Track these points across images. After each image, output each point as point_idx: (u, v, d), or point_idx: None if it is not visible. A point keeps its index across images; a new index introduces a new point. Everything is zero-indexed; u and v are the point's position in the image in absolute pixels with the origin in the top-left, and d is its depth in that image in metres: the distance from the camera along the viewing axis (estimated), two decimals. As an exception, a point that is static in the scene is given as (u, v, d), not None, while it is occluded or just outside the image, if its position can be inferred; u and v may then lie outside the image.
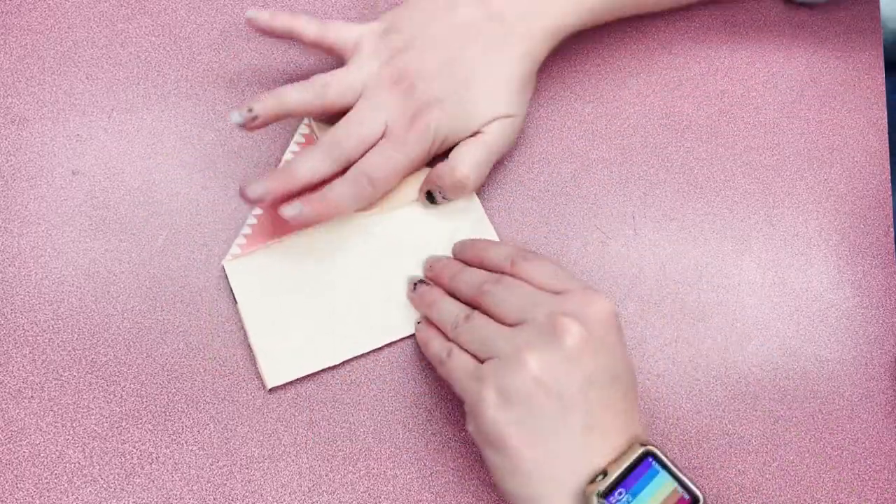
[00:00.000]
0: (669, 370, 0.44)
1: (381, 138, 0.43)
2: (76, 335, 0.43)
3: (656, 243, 0.46)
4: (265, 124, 0.42)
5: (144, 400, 0.42)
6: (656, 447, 0.35)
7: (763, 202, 0.47)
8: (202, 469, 0.41)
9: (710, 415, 0.43)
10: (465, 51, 0.43)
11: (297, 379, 0.43)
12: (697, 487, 0.35)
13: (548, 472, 0.35)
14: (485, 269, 0.42)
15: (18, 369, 0.42)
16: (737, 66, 0.49)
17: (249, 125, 0.42)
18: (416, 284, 0.43)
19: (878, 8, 0.51)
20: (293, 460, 0.41)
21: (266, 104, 0.42)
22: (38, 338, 0.43)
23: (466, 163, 0.43)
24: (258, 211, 0.45)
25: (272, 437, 0.42)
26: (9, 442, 0.41)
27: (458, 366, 0.38)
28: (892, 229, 0.47)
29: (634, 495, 0.34)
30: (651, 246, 0.46)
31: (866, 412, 0.44)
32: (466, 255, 0.43)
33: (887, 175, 0.48)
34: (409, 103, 0.43)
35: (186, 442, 0.41)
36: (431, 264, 0.44)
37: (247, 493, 0.41)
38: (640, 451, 0.35)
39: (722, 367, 0.44)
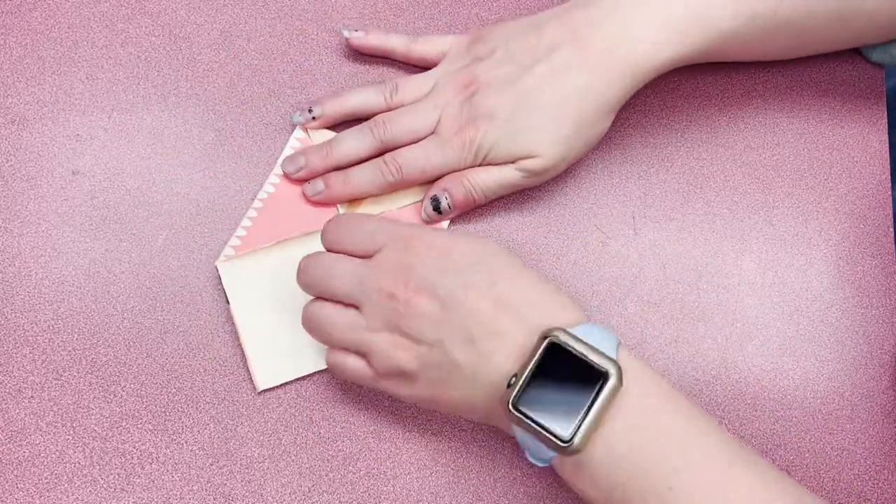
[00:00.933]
0: (669, 370, 0.44)
1: (430, 134, 0.44)
2: (76, 335, 0.43)
3: (656, 243, 0.46)
4: (326, 126, 0.45)
5: (144, 400, 0.42)
6: (565, 331, 0.34)
7: (763, 202, 0.47)
8: (202, 469, 0.41)
9: (710, 415, 0.43)
10: (532, 71, 0.42)
11: (297, 379, 0.43)
12: (610, 362, 0.33)
13: (469, 401, 0.37)
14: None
15: (18, 369, 0.42)
16: (737, 66, 0.49)
17: (309, 125, 0.45)
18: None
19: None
20: (293, 460, 0.41)
21: (325, 106, 0.45)
22: (38, 338, 0.43)
23: (480, 188, 0.43)
24: (253, 213, 0.44)
25: (272, 437, 0.42)
26: (9, 442, 0.41)
27: (356, 370, 0.39)
28: (892, 229, 0.47)
29: None
30: (651, 246, 0.46)
31: (866, 412, 0.44)
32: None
33: (887, 175, 0.48)
34: (465, 110, 0.43)
35: (186, 442, 0.41)
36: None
37: (247, 493, 0.41)
38: (544, 343, 0.34)
39: (722, 367, 0.44)
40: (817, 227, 0.47)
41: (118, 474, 0.41)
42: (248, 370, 0.43)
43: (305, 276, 0.40)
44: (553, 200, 0.47)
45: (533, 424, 0.33)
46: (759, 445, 0.43)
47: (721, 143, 0.48)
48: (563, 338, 0.34)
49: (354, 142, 0.44)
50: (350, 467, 0.41)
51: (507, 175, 0.43)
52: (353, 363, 0.39)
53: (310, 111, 0.45)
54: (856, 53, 0.49)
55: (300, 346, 0.42)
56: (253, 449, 0.41)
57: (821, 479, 0.42)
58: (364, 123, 0.44)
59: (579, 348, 0.33)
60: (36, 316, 0.43)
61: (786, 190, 0.47)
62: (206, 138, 0.47)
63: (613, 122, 0.49)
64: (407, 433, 0.42)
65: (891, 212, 0.47)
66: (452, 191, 0.43)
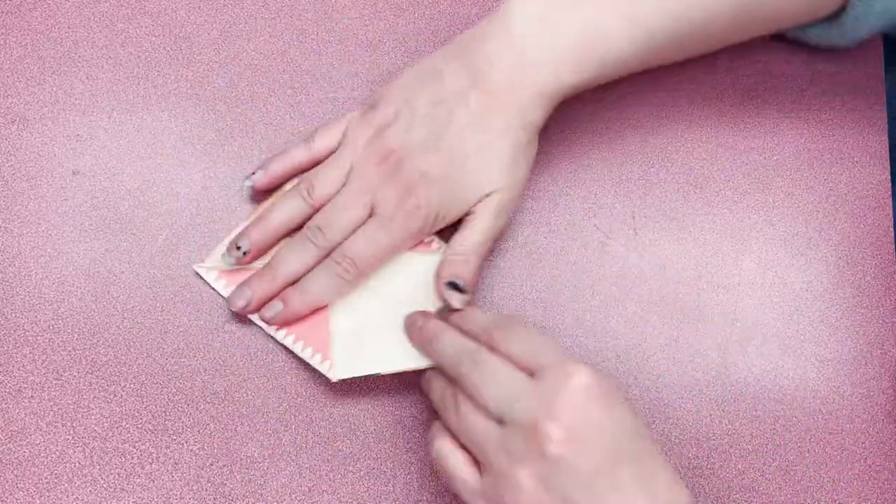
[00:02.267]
0: (669, 370, 0.44)
1: (367, 218, 0.42)
2: (76, 335, 0.43)
3: (656, 243, 0.46)
4: (254, 259, 0.43)
5: (144, 400, 0.42)
6: None
7: (763, 202, 0.47)
8: (202, 469, 0.41)
9: (710, 415, 0.43)
10: (450, 124, 0.41)
11: (297, 379, 0.43)
12: None
13: None
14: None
15: (18, 369, 0.42)
16: (737, 66, 0.49)
17: (240, 262, 0.42)
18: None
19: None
20: (293, 460, 0.41)
21: (252, 237, 0.42)
22: (38, 338, 0.43)
23: (477, 255, 0.42)
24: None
25: (272, 437, 0.42)
26: (9, 442, 0.41)
27: (456, 474, 0.36)
28: (892, 229, 0.47)
29: None
30: (651, 246, 0.46)
31: (866, 412, 0.44)
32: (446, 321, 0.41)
33: (887, 175, 0.48)
34: (397, 181, 0.41)
35: (186, 442, 0.41)
36: (413, 321, 0.42)
37: (247, 493, 0.41)
38: None
39: (722, 367, 0.44)
40: (817, 227, 0.47)
41: (118, 474, 0.41)
42: (250, 370, 0.42)
43: (442, 356, 0.38)
44: (553, 200, 0.47)
45: None
46: (759, 445, 0.43)
47: (721, 143, 0.48)
48: None
49: (296, 256, 0.42)
50: (350, 467, 0.41)
51: (484, 226, 0.42)
52: (466, 469, 0.36)
53: (238, 248, 0.42)
54: (855, 52, 0.49)
55: (385, 341, 0.42)
56: (253, 449, 0.41)
57: (821, 479, 0.42)
58: (298, 234, 0.42)
59: None
60: (36, 316, 0.43)
61: (786, 190, 0.47)
62: (206, 138, 0.47)
63: (613, 121, 0.49)
64: (407, 433, 0.42)
65: (891, 212, 0.47)
66: (462, 274, 0.41)
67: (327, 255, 0.42)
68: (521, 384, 0.35)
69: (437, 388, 0.39)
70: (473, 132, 0.41)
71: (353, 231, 0.42)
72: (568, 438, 0.33)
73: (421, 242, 0.43)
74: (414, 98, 0.42)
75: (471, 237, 0.42)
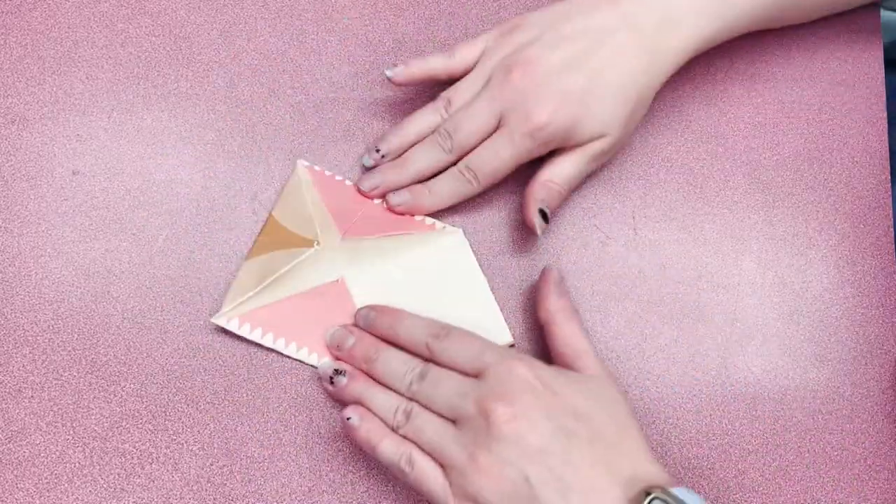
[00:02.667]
0: (669, 370, 0.44)
1: (495, 130, 0.43)
2: (76, 335, 0.43)
3: (656, 243, 0.46)
4: (392, 159, 0.45)
5: (144, 400, 0.42)
6: (665, 490, 0.33)
7: (763, 202, 0.47)
8: (202, 469, 0.41)
9: (710, 415, 0.43)
10: (592, 53, 0.42)
11: (297, 379, 0.43)
12: None
13: None
14: (398, 345, 0.41)
15: (18, 369, 0.42)
16: (737, 66, 0.49)
17: (378, 163, 0.45)
18: (332, 377, 0.41)
19: (878, 8, 0.51)
20: (293, 460, 0.41)
21: (390, 143, 0.45)
22: (38, 338, 0.43)
23: (567, 185, 0.44)
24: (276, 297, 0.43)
25: (272, 437, 0.42)
26: (9, 442, 0.41)
27: (427, 477, 0.37)
28: (892, 229, 0.47)
29: None
30: (651, 246, 0.46)
31: (866, 412, 0.44)
32: (375, 328, 0.42)
33: (887, 175, 0.48)
34: (530, 95, 0.42)
35: (186, 442, 0.41)
36: (338, 342, 0.42)
37: (247, 493, 0.41)
38: (648, 498, 0.33)
39: (722, 367, 0.44)
40: (817, 227, 0.47)
41: (118, 474, 0.41)
42: (250, 370, 0.42)
43: (387, 373, 0.40)
44: (553, 200, 0.47)
45: None
46: (759, 445, 0.43)
47: (721, 143, 0.48)
48: (666, 498, 0.33)
49: (426, 155, 0.44)
50: (350, 467, 0.41)
51: (580, 164, 0.43)
52: (429, 469, 0.37)
53: (377, 150, 0.45)
54: (855, 52, 0.49)
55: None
56: (253, 449, 0.41)
57: (821, 479, 0.42)
58: (430, 137, 0.44)
59: None
60: (36, 316, 0.43)
61: (786, 190, 0.47)
62: (206, 138, 0.47)
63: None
64: (407, 433, 0.42)
65: (891, 212, 0.47)
66: (549, 200, 0.43)
67: (456, 160, 0.44)
68: (468, 386, 0.37)
69: (383, 406, 0.39)
70: (615, 67, 0.42)
71: (480, 138, 0.43)
72: (516, 416, 0.35)
73: (420, 223, 0.45)
74: (560, 24, 0.43)
75: (568, 171, 0.44)
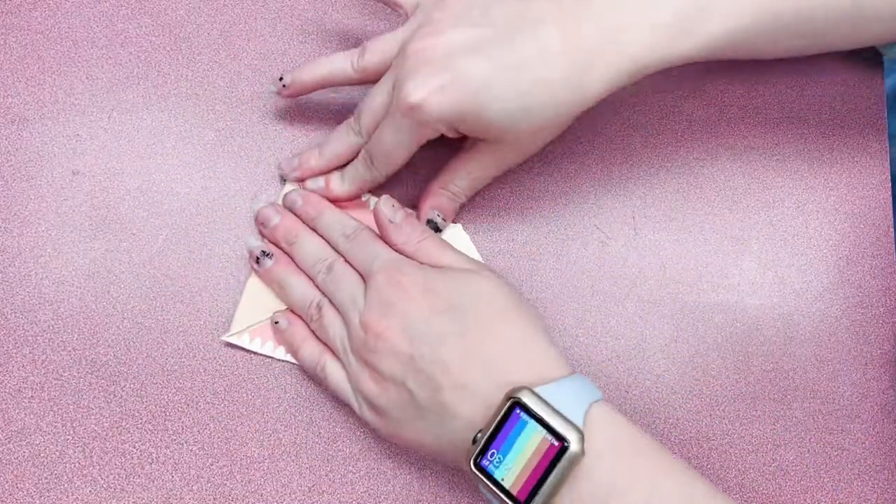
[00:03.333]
0: (669, 370, 0.44)
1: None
2: (76, 335, 0.43)
3: (656, 243, 0.46)
4: (297, 94, 0.44)
5: (144, 400, 0.42)
6: (532, 391, 0.33)
7: (763, 202, 0.47)
8: (202, 469, 0.41)
9: (710, 415, 0.43)
10: (508, 42, 0.36)
11: (297, 379, 0.43)
12: (572, 428, 0.32)
13: (436, 446, 0.36)
14: (317, 231, 0.42)
15: (18, 369, 0.42)
16: (737, 66, 0.49)
17: (282, 92, 0.43)
18: (258, 258, 0.42)
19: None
20: (293, 460, 0.41)
21: (299, 74, 0.43)
22: (38, 338, 0.43)
23: (462, 191, 0.43)
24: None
25: (272, 437, 0.42)
26: (9, 442, 0.41)
27: (337, 386, 0.40)
28: (892, 229, 0.47)
29: (505, 453, 0.33)
30: (651, 246, 0.46)
31: (866, 412, 0.44)
32: (301, 211, 0.43)
33: (887, 175, 0.48)
34: (425, 69, 0.37)
35: (186, 442, 0.41)
36: (264, 220, 0.43)
37: (247, 493, 0.41)
38: (507, 403, 0.33)
39: (722, 367, 0.44)
40: (817, 227, 0.47)
41: (118, 474, 0.41)
42: (249, 369, 0.42)
43: (302, 257, 0.42)
44: (553, 200, 0.47)
45: (492, 486, 0.33)
46: (758, 446, 0.43)
47: (721, 143, 0.48)
48: (527, 399, 0.33)
49: (341, 140, 0.43)
50: (350, 467, 0.41)
51: (472, 171, 0.42)
52: (337, 375, 0.40)
53: (280, 79, 0.43)
54: (855, 52, 0.49)
55: None
56: (253, 449, 0.41)
57: (821, 479, 0.42)
58: (347, 120, 0.43)
59: (541, 411, 0.32)
60: (36, 316, 0.43)
61: (786, 190, 0.47)
62: (206, 138, 0.47)
63: (614, 122, 0.49)
64: (407, 433, 0.42)
65: (891, 212, 0.47)
66: (442, 208, 0.43)
67: (367, 142, 0.42)
68: (358, 293, 0.39)
69: (301, 297, 0.41)
70: (534, 68, 0.36)
71: (377, 119, 0.41)
72: (387, 328, 0.37)
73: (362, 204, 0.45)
74: (493, 5, 0.38)
75: (460, 177, 0.42)
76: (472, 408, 0.35)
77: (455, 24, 0.38)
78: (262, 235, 0.44)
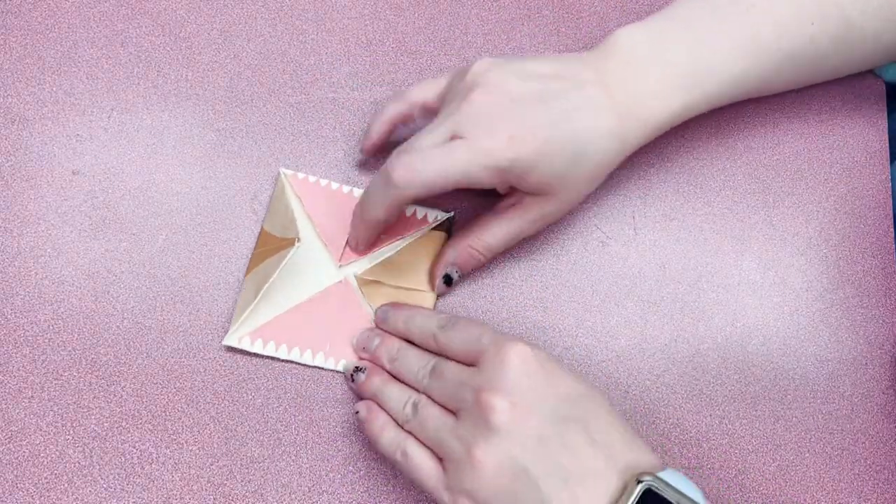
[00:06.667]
0: (669, 370, 0.44)
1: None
2: (76, 335, 0.43)
3: (656, 243, 0.46)
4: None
5: (144, 400, 0.42)
6: (656, 476, 0.33)
7: (763, 202, 0.47)
8: (202, 469, 0.41)
9: (710, 415, 0.43)
10: (563, 94, 0.39)
11: (297, 379, 0.43)
12: None
13: None
14: (411, 340, 0.41)
15: (18, 369, 0.42)
16: (737, 66, 0.49)
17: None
18: (353, 374, 0.41)
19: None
20: (293, 460, 0.41)
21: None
22: (38, 338, 0.43)
23: (488, 251, 0.42)
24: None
25: (272, 437, 0.42)
26: (9, 442, 0.41)
27: (421, 469, 0.37)
28: (892, 229, 0.47)
29: None
30: (651, 246, 0.46)
31: (866, 412, 0.44)
32: (391, 326, 0.42)
33: (887, 175, 0.48)
34: (488, 114, 0.38)
35: (186, 442, 0.41)
36: (364, 345, 0.42)
37: (247, 493, 0.41)
38: (637, 489, 0.33)
39: (722, 367, 0.44)
40: (817, 227, 0.47)
41: (118, 474, 0.41)
42: (249, 369, 0.43)
43: (397, 364, 0.40)
44: (553, 200, 0.47)
45: (677, 498, 0.33)
46: (759, 446, 0.43)
47: (721, 143, 0.48)
48: (657, 484, 0.33)
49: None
50: (350, 467, 0.41)
51: (514, 227, 0.41)
52: (424, 460, 0.37)
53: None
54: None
55: None
56: (253, 449, 0.41)
57: (821, 479, 0.42)
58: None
59: (673, 497, 0.33)
60: (36, 316, 0.43)
61: (786, 190, 0.47)
62: (206, 138, 0.47)
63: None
64: (407, 433, 0.42)
65: (891, 212, 0.47)
66: (464, 266, 0.43)
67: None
68: (467, 375, 0.37)
69: (395, 400, 0.40)
70: (586, 119, 0.39)
71: None
72: (511, 406, 0.35)
73: (412, 219, 0.45)
74: (530, 63, 0.40)
75: (498, 235, 0.42)
76: (598, 496, 0.34)
77: (506, 73, 0.39)
78: (361, 359, 0.43)
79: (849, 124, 0.49)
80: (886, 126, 0.49)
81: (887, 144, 0.48)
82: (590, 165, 0.39)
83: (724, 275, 0.46)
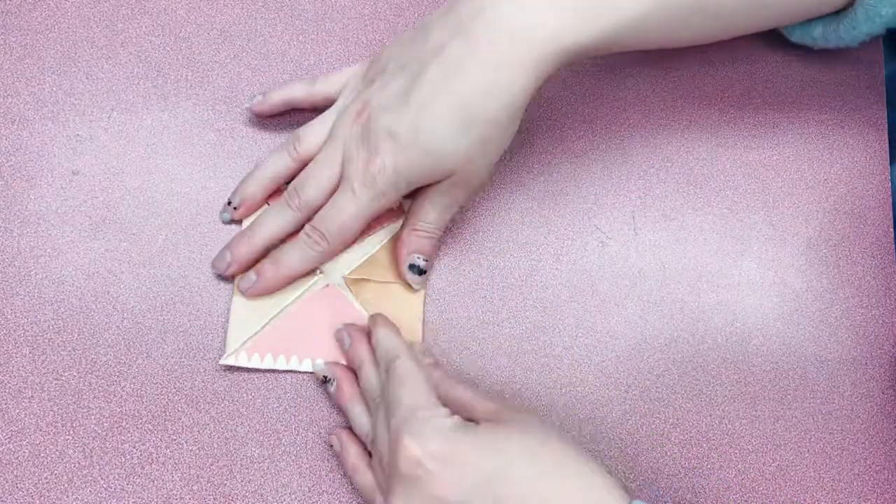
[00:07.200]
0: (669, 370, 0.44)
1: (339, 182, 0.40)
2: (76, 335, 0.43)
3: (656, 243, 0.46)
4: (246, 214, 0.43)
5: (144, 400, 0.42)
6: None
7: (763, 202, 0.47)
8: (202, 469, 0.41)
9: (710, 415, 0.43)
10: (424, 75, 0.37)
11: (297, 379, 0.43)
12: None
13: None
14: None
15: (18, 369, 0.42)
16: (736, 66, 0.49)
17: (236, 216, 0.43)
18: (323, 382, 0.41)
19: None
20: (293, 460, 0.41)
21: (243, 192, 0.43)
22: (38, 338, 0.43)
23: (435, 228, 0.41)
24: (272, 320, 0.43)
25: (272, 437, 0.42)
26: (9, 442, 0.41)
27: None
28: (892, 229, 0.47)
29: None
30: (651, 246, 0.46)
31: (866, 412, 0.44)
32: (352, 357, 0.41)
33: (887, 175, 0.48)
34: (366, 139, 0.39)
35: (186, 442, 0.41)
36: (339, 341, 0.42)
37: (247, 493, 0.41)
38: None
39: (722, 367, 0.44)
40: (817, 228, 0.47)
41: (118, 474, 0.41)
42: (249, 369, 0.42)
43: (361, 374, 0.40)
44: (553, 200, 0.47)
45: None
46: (758, 446, 0.43)
47: (721, 143, 0.48)
48: None
49: (275, 219, 0.41)
50: (350, 467, 0.41)
51: (439, 205, 0.41)
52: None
53: (229, 203, 0.43)
54: (855, 51, 0.49)
55: None
56: (253, 449, 0.41)
57: (821, 479, 0.42)
58: (277, 200, 0.42)
59: None
60: (36, 316, 0.43)
61: (786, 190, 0.47)
62: (206, 138, 0.47)
63: (613, 122, 0.49)
64: (407, 433, 0.42)
65: (891, 212, 0.47)
66: (421, 249, 0.42)
67: (307, 218, 0.41)
68: (385, 449, 0.36)
69: (358, 426, 0.40)
70: (446, 94, 0.37)
71: (328, 193, 0.40)
72: (419, 458, 0.34)
73: (393, 211, 0.44)
74: (403, 52, 0.40)
75: (430, 214, 0.41)
76: None
77: (377, 87, 0.39)
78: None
79: (849, 124, 0.49)
80: (886, 126, 0.49)
81: (887, 144, 0.48)
82: (474, 133, 0.37)
83: (724, 275, 0.46)
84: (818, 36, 0.46)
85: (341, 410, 0.41)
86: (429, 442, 0.34)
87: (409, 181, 0.39)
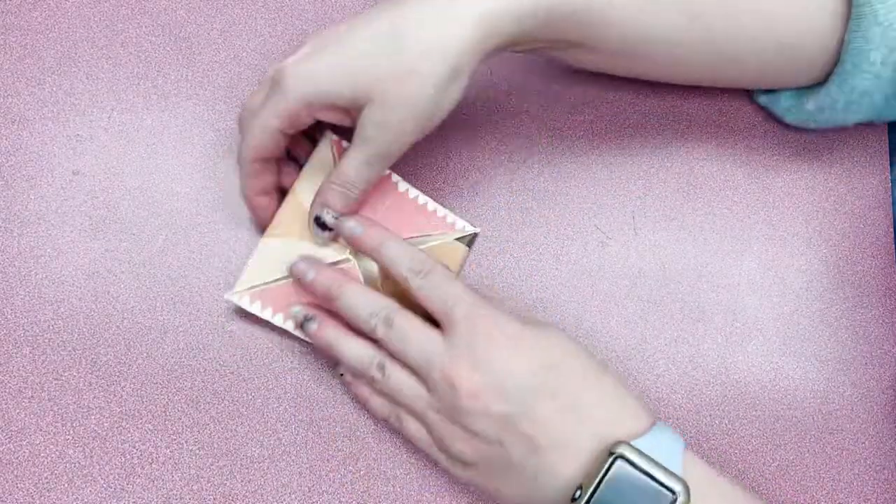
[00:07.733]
0: (669, 370, 0.44)
1: None
2: (76, 335, 0.43)
3: (656, 243, 0.46)
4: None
5: (144, 400, 0.42)
6: (629, 445, 0.33)
7: (763, 202, 0.47)
8: (202, 469, 0.41)
9: (710, 415, 0.43)
10: (371, 12, 0.37)
11: (297, 379, 0.43)
12: (676, 479, 0.33)
13: (527, 500, 0.36)
14: (381, 265, 0.39)
15: (18, 369, 0.42)
16: (737, 66, 0.49)
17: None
18: (302, 323, 0.40)
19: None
20: (293, 460, 0.41)
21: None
22: (38, 338, 0.43)
23: (342, 176, 0.39)
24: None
25: (272, 437, 0.42)
26: (9, 442, 0.41)
27: (414, 436, 0.39)
28: (891, 229, 0.47)
29: None
30: (651, 246, 0.46)
31: (866, 412, 0.44)
32: (363, 243, 0.40)
33: (887, 175, 0.48)
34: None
35: (186, 442, 0.41)
36: (300, 276, 0.40)
37: (247, 493, 0.41)
38: (610, 459, 0.33)
39: (722, 367, 0.44)
40: (817, 227, 0.47)
41: (118, 474, 0.41)
42: (249, 369, 0.43)
43: (350, 312, 0.39)
44: (553, 200, 0.47)
45: (647, 467, 0.33)
46: (759, 445, 0.43)
47: (721, 143, 0.48)
48: (629, 454, 0.33)
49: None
50: (350, 467, 0.41)
51: (365, 153, 0.38)
52: (416, 429, 0.39)
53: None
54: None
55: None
56: (253, 449, 0.41)
57: (821, 479, 0.42)
58: None
59: (645, 466, 0.33)
60: (36, 316, 0.43)
61: (786, 190, 0.47)
62: (206, 138, 0.47)
63: (614, 122, 0.49)
64: (407, 433, 0.42)
65: (891, 212, 0.47)
66: (332, 203, 0.40)
67: None
68: (431, 345, 0.37)
69: (356, 359, 0.39)
70: (379, 17, 0.36)
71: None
72: (479, 389, 0.35)
73: (442, 221, 0.44)
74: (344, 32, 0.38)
75: (346, 166, 0.39)
76: (570, 464, 0.35)
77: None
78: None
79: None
80: (886, 126, 0.49)
81: (887, 144, 0.48)
82: (409, 49, 0.35)
83: (724, 275, 0.46)
84: (786, 110, 0.46)
85: (328, 351, 0.39)
86: (500, 319, 0.37)
87: (316, 85, 0.36)
